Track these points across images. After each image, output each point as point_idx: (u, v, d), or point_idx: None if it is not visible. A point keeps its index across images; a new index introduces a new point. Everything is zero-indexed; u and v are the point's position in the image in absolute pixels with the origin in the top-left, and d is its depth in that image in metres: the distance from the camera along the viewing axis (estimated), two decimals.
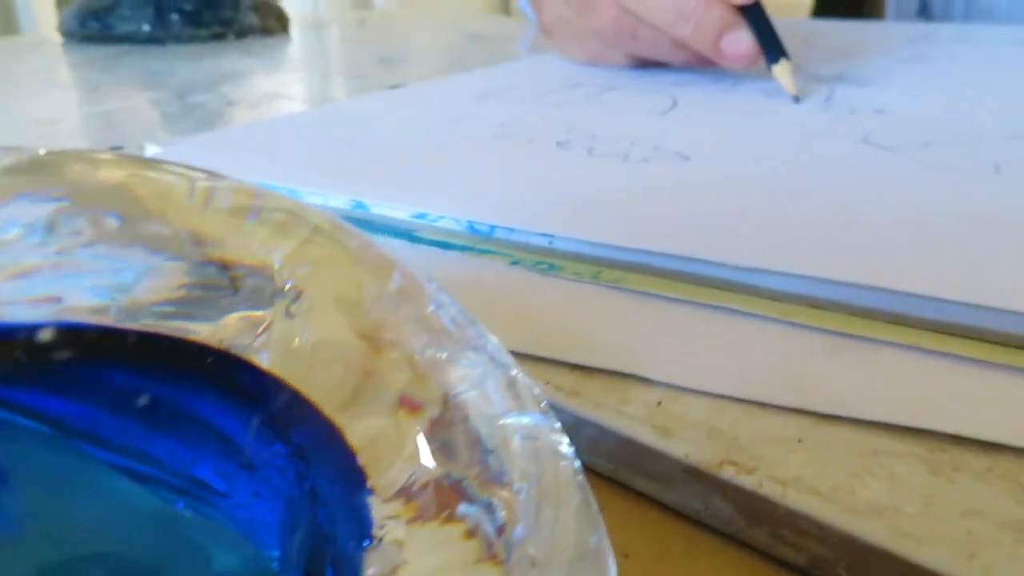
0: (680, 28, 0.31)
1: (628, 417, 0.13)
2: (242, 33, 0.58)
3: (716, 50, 0.32)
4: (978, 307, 0.14)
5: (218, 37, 0.57)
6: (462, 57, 0.52)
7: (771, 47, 0.31)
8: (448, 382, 0.10)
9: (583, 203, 0.19)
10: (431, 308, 0.11)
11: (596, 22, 0.35)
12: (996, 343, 0.14)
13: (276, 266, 0.10)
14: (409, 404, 0.09)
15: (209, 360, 0.09)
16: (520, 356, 0.14)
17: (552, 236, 0.18)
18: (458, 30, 0.66)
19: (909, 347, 0.14)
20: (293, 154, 0.24)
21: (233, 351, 0.09)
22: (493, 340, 0.11)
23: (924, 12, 0.63)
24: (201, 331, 0.09)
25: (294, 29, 0.63)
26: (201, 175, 0.11)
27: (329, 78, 0.43)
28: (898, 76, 0.34)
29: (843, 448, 0.12)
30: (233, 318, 0.10)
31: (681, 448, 0.12)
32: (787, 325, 0.15)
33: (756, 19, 0.31)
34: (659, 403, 0.13)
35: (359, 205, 0.20)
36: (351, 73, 0.46)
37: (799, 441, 0.12)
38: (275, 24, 0.61)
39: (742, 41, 0.31)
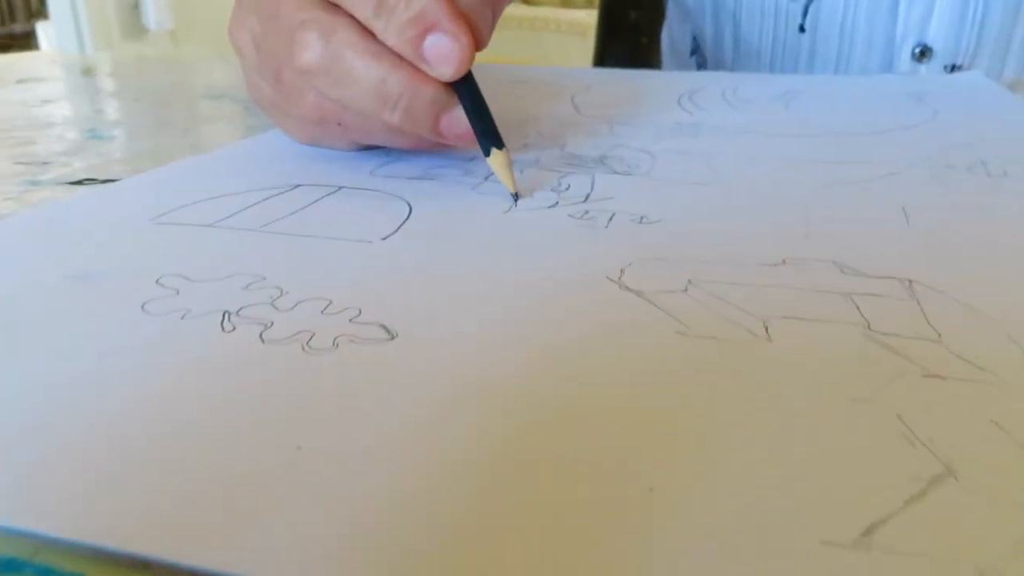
0: (389, 116, 0.26)
1: None
2: None
3: (437, 133, 0.27)
4: None
5: None
6: (196, 126, 0.44)
7: (485, 133, 0.27)
8: None
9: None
10: None
11: (297, 109, 0.29)
12: None
13: None
14: None
15: None
16: None
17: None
18: (210, 83, 0.58)
19: None
20: None
21: None
22: None
23: (697, 52, 0.63)
24: None
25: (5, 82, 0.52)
26: None
27: None
28: (662, 161, 0.31)
29: None
30: None
31: None
32: None
33: (470, 96, 0.27)
34: None
35: None
36: (34, 158, 0.37)
37: None
38: None
39: (462, 119, 0.26)
